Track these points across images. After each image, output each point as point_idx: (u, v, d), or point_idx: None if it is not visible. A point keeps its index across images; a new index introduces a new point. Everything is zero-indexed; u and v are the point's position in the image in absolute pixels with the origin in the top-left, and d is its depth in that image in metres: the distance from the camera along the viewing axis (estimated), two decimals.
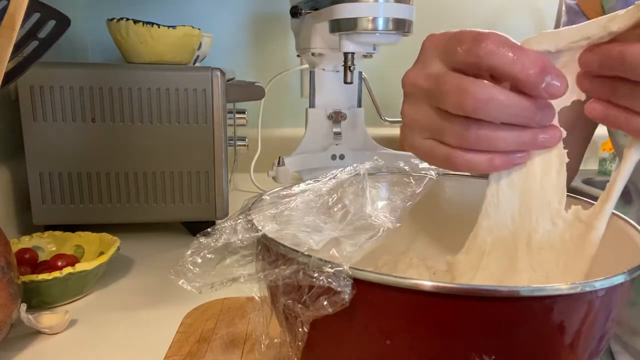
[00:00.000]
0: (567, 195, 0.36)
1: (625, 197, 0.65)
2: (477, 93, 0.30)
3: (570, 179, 0.72)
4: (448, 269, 0.42)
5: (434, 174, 0.44)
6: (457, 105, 0.31)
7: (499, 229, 0.37)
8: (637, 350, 0.62)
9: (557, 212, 0.35)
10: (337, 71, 1.05)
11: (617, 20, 0.30)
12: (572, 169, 0.72)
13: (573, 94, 0.33)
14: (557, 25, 1.13)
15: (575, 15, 0.66)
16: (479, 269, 0.37)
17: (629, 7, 0.29)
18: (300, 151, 1.06)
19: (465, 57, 0.32)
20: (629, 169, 0.33)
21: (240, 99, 0.87)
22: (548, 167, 0.35)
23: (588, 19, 0.63)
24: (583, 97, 0.33)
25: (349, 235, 0.38)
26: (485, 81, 0.31)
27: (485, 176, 0.39)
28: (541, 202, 0.36)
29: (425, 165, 0.45)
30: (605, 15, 0.31)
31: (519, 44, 0.32)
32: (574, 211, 0.35)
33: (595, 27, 0.31)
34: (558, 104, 0.34)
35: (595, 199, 0.39)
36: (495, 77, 0.32)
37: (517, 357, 0.28)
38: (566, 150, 0.35)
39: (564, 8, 0.70)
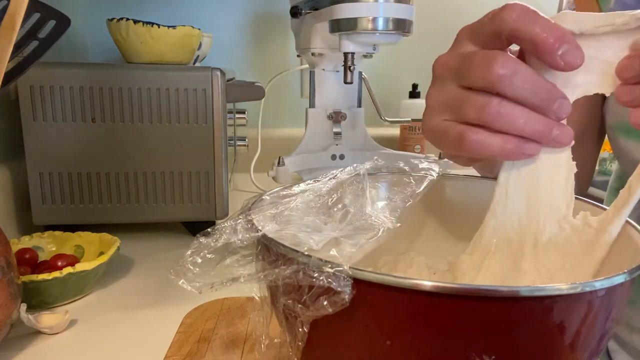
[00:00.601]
0: (580, 199, 0.36)
1: None
2: (504, 62, 0.31)
3: (587, 182, 0.72)
4: (450, 269, 0.42)
5: (434, 174, 0.44)
6: (483, 75, 0.32)
7: (506, 229, 0.37)
8: (635, 348, 0.62)
9: (565, 216, 0.35)
10: (337, 71, 1.05)
11: None
12: (588, 172, 0.72)
13: (599, 86, 0.33)
14: None
15: None
16: (482, 269, 0.37)
17: None
18: (300, 151, 1.06)
19: (491, 24, 0.33)
20: None
21: (240, 99, 0.87)
22: (557, 172, 0.35)
23: None
24: (608, 92, 0.33)
25: (349, 235, 0.38)
26: (512, 55, 0.32)
27: (485, 177, 0.39)
28: (549, 206, 0.35)
29: (425, 165, 0.45)
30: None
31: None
32: (583, 217, 0.35)
33: (619, 15, 0.31)
34: (582, 90, 0.34)
35: (595, 199, 0.39)
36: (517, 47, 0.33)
37: (517, 357, 0.28)
38: (574, 163, 0.35)
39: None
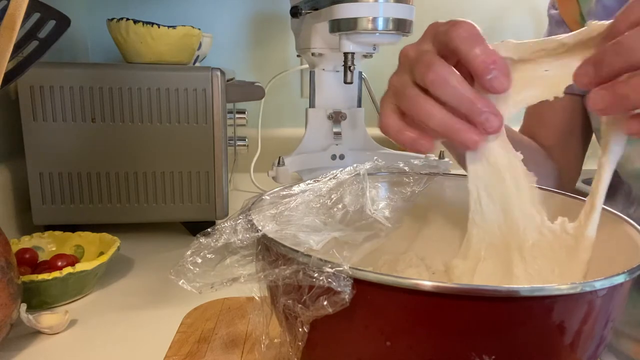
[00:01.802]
0: (568, 196, 0.36)
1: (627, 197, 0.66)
2: (440, 70, 0.35)
3: (573, 180, 0.74)
4: (446, 271, 0.42)
5: (433, 174, 0.44)
6: (421, 75, 0.36)
7: (489, 237, 0.38)
8: (623, 352, 0.62)
9: (542, 222, 0.36)
10: (337, 71, 1.05)
11: (570, 36, 0.33)
12: (575, 171, 0.73)
13: (541, 97, 0.36)
14: None
15: (556, 25, 0.70)
16: (475, 273, 0.38)
17: (582, 29, 0.33)
18: (300, 151, 1.05)
19: (443, 36, 0.36)
20: (607, 177, 0.34)
21: (240, 99, 0.87)
22: (518, 182, 0.37)
23: (569, 28, 0.67)
24: (551, 97, 0.35)
25: (349, 235, 0.38)
26: (451, 66, 0.35)
27: None
28: (523, 214, 0.37)
29: (425, 165, 0.45)
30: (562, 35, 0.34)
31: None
32: (561, 222, 0.36)
33: (550, 41, 0.34)
34: (526, 103, 0.36)
35: None
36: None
37: (517, 357, 0.28)
38: (532, 172, 0.37)
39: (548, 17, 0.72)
